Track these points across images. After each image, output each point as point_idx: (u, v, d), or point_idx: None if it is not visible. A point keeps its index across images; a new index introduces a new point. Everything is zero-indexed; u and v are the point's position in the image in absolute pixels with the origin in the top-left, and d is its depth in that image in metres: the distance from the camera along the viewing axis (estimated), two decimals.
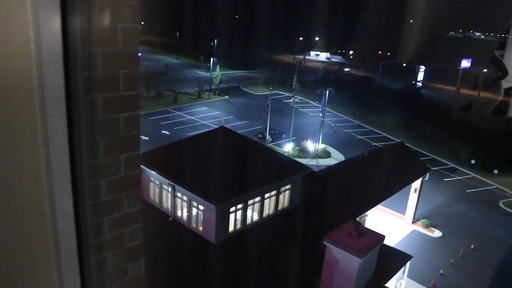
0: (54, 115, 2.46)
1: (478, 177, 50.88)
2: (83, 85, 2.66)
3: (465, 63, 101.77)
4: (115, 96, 2.90)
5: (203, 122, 62.64)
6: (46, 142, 2.44)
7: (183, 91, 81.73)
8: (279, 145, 54.39)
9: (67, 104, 2.52)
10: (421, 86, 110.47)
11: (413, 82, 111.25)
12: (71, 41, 2.49)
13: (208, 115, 66.96)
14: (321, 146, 53.99)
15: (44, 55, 2.38)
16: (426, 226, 36.49)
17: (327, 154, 53.08)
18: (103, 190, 2.99)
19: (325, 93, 53.86)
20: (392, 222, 36.46)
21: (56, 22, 2.41)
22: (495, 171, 51.68)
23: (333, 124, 65.46)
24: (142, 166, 23.74)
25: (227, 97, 79.99)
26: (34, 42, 2.35)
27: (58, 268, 2.63)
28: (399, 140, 52.36)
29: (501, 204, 43.81)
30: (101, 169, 2.94)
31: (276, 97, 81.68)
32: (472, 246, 34.19)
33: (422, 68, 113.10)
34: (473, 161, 54.58)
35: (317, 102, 78.53)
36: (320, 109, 55.32)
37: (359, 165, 33.42)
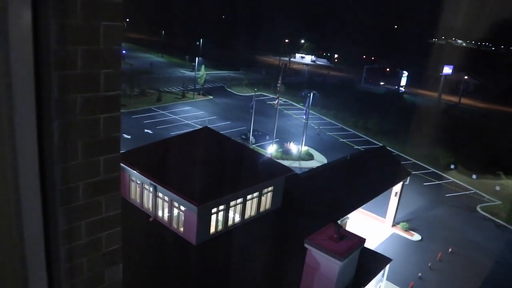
0: (23, 115, 2.35)
1: (457, 181, 51.79)
2: (59, 85, 2.56)
3: (447, 70, 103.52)
4: (95, 97, 2.80)
5: (187, 122, 62.31)
6: (12, 143, 2.33)
7: (167, 90, 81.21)
8: (263, 147, 54.44)
9: (38, 105, 2.41)
10: (404, 91, 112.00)
11: (396, 86, 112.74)
12: (44, 38, 2.38)
13: (192, 115, 66.64)
14: (304, 148, 54.21)
15: (12, 51, 2.27)
16: (406, 230, 36.93)
17: (310, 157, 53.33)
18: (81, 193, 2.90)
19: (309, 96, 54.11)
20: (373, 225, 36.79)
21: (26, 17, 2.30)
22: (474, 176, 52.68)
23: (317, 127, 65.85)
24: (123, 165, 23.47)
25: (211, 97, 79.80)
26: (2, 36, 2.24)
27: (24, 276, 2.53)
28: (381, 144, 53.04)
29: (478, 209, 44.66)
30: (80, 172, 2.84)
31: (261, 98, 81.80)
32: (450, 250, 34.75)
33: (405, 73, 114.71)
34: (452, 166, 55.54)
35: (301, 104, 78.87)
36: (304, 111, 55.62)
37: (341, 168, 33.64)
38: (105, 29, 2.76)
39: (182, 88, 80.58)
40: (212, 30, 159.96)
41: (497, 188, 50.06)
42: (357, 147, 60.15)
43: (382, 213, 37.62)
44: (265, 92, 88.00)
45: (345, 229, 21.49)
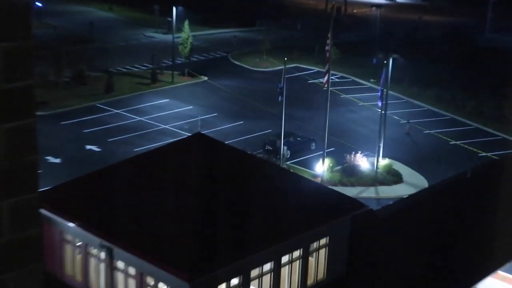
0: None
1: None
2: None
3: None
4: None
5: (163, 126, 62.76)
6: None
7: (124, 70, 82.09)
8: (305, 163, 54.47)
9: None
10: None
11: None
12: None
13: (171, 112, 67.20)
14: (383, 162, 53.90)
15: None
16: None
17: (395, 177, 52.98)
18: None
19: (388, 64, 53.86)
20: None
21: None
22: None
23: (405, 121, 65.50)
24: (48, 214, 23.76)
25: (205, 78, 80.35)
26: None
27: None
28: None
29: None
30: None
31: (297, 74, 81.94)
32: None
33: None
34: None
35: (372, 80, 78.57)
36: (379, 93, 55.32)
37: (458, 197, 33.30)
38: None
39: (151, 66, 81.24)
40: None
41: None
42: (483, 153, 59.55)
43: None
44: (303, 63, 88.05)
45: None
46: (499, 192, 33.31)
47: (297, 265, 24.22)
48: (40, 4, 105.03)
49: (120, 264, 22.42)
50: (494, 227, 30.92)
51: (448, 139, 63.56)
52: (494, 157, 57.23)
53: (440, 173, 49.38)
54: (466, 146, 61.75)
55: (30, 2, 2.99)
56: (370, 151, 55.38)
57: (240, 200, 23.79)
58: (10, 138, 3.04)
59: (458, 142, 62.88)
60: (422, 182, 52.36)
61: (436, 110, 72.55)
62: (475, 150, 60.84)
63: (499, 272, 32.58)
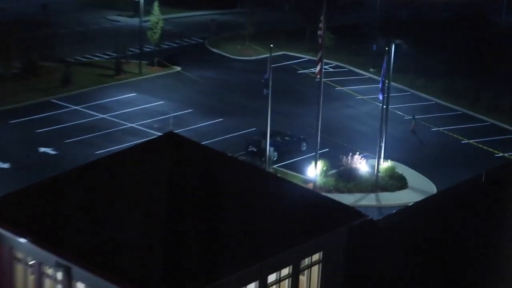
0: None
1: None
2: None
3: None
4: None
5: (129, 124, 62.73)
6: None
7: (84, 60, 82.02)
8: (295, 167, 54.76)
9: None
10: None
11: None
12: None
13: (139, 109, 67.24)
14: (385, 164, 54.19)
15: None
16: None
17: (399, 182, 53.24)
18: None
19: (390, 51, 54.06)
20: None
21: None
22: None
23: (410, 117, 65.73)
24: None
25: (178, 68, 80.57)
26: None
27: None
28: None
29: None
30: None
31: (284, 64, 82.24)
32: None
33: None
34: None
35: (372, 70, 78.87)
36: (380, 85, 55.41)
37: (471, 205, 33.45)
38: None
39: (115, 55, 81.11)
40: None
41: None
42: (499, 153, 59.91)
43: None
44: (292, 51, 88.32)
45: None
46: None
47: (286, 285, 24.27)
48: None
49: (80, 286, 22.37)
50: (507, 240, 31.13)
51: (460, 138, 63.93)
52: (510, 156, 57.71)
53: (450, 176, 49.77)
54: (480, 146, 62.09)
55: None
56: (370, 152, 55.71)
57: (217, 211, 23.77)
58: None
59: (471, 141, 63.23)
60: (429, 187, 52.68)
61: (446, 104, 73.04)
62: (490, 150, 61.18)
63: None
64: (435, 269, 29.10)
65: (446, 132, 65.14)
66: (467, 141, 63.18)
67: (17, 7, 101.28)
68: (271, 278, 23.62)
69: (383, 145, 53.72)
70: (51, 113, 65.02)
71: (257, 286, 23.15)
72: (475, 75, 77.98)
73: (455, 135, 64.35)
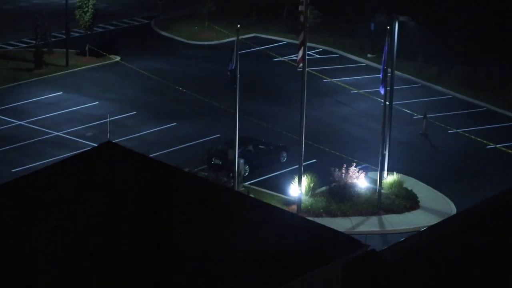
0: None
1: None
2: None
3: None
4: None
5: (55, 133, 62.74)
6: None
7: None
8: (273, 184, 54.87)
9: None
10: None
11: None
12: None
13: (67, 112, 67.19)
14: (390, 178, 54.40)
15: None
16: None
17: (408, 201, 53.46)
18: None
19: (392, 32, 54.38)
20: None
21: None
22: None
23: (421, 116, 66.19)
24: None
25: (117, 58, 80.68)
26: None
27: None
28: None
29: None
30: None
31: (256, 49, 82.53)
32: None
33: None
34: None
35: (370, 56, 79.43)
36: (381, 75, 55.65)
37: (499, 229, 33.67)
38: None
39: (34, 42, 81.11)
40: None
41: None
42: None
43: None
44: (266, 33, 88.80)
45: None
46: None
47: None
48: None
49: None
50: None
51: (484, 141, 64.36)
52: None
53: (473, 192, 50.12)
54: (510, 151, 62.62)
55: None
56: (370, 162, 56.05)
57: (171, 246, 23.79)
58: None
59: (498, 146, 63.71)
60: (447, 207, 53.02)
61: (466, 98, 73.57)
62: None
63: None
64: None
65: (466, 134, 65.52)
66: (493, 146, 63.59)
67: None
68: None
69: (386, 153, 54.01)
70: None
71: None
72: (501, 60, 78.47)
73: (478, 138, 64.70)
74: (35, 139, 61.59)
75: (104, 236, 23.57)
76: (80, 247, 23.25)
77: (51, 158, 52.47)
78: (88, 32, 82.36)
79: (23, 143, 60.78)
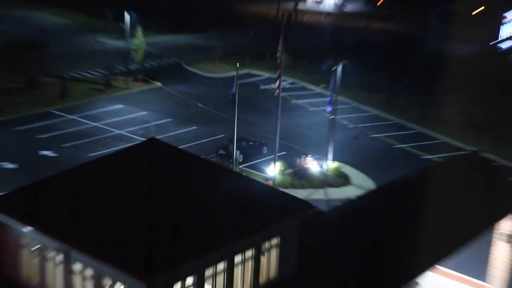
0: None
1: None
2: None
3: None
4: None
5: (118, 131, 62.58)
6: None
7: (78, 76, 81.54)
8: (258, 167, 55.19)
9: None
10: (509, 48, 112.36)
11: (493, 42, 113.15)
12: None
13: (126, 118, 67.04)
14: (333, 165, 54.55)
15: None
16: None
17: (343, 180, 53.70)
18: None
19: (336, 70, 54.54)
20: None
21: None
22: None
23: (353, 125, 66.33)
24: (6, 219, 23.70)
25: (159, 84, 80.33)
26: None
27: None
28: (471, 149, 53.22)
29: None
30: None
31: (249, 80, 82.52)
32: None
33: (509, 16, 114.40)
34: None
35: (322, 86, 79.40)
36: (328, 99, 56.00)
37: (402, 198, 33.93)
38: None
39: (104, 72, 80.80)
40: None
41: None
42: (426, 156, 60.63)
43: (480, 272, 37.88)
44: (255, 70, 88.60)
45: None
46: (440, 193, 34.12)
47: (249, 264, 24.50)
48: None
49: (77, 267, 22.40)
50: (434, 225, 31.67)
51: (394, 142, 64.64)
52: (436, 158, 58.43)
53: (385, 175, 50.44)
54: (410, 149, 62.87)
55: None
56: (319, 154, 56.20)
57: (193, 203, 24.00)
58: None
59: (403, 145, 64.00)
60: (368, 183, 53.23)
61: (383, 115, 73.82)
62: (419, 153, 61.96)
63: (439, 268, 33.50)
64: (370, 249, 29.52)
65: (382, 138, 65.85)
66: (399, 145, 63.91)
67: (17, 29, 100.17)
68: (237, 259, 23.85)
69: (330, 148, 54.18)
70: (50, 121, 64.80)
71: (226, 265, 23.40)
72: (407, 91, 78.91)
73: (390, 141, 65.06)
74: (104, 135, 61.53)
75: (147, 197, 23.67)
76: (134, 202, 23.44)
77: (114, 147, 52.60)
78: (140, 66, 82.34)
79: (96, 137, 60.73)
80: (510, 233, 36.90)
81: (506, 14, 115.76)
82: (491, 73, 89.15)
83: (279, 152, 54.00)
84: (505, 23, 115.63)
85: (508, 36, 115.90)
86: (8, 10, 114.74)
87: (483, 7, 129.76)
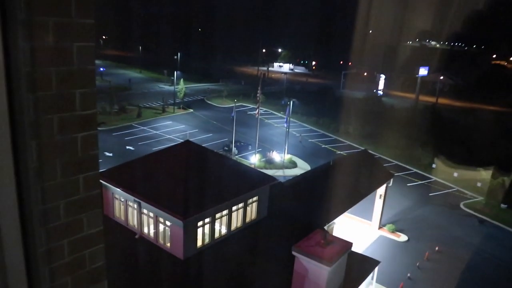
0: None
1: (440, 180, 52.62)
2: (33, 106, 2.60)
3: (423, 71, 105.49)
4: (71, 116, 2.85)
5: (168, 136, 61.95)
6: None
7: (147, 105, 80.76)
8: (246, 157, 54.40)
9: (12, 126, 2.44)
10: (382, 94, 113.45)
11: (375, 90, 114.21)
12: (14, 61, 2.42)
13: (173, 129, 66.30)
14: (287, 156, 54.35)
15: None
16: (393, 231, 37.28)
17: (293, 164, 53.50)
18: (62, 212, 2.92)
19: (289, 104, 54.44)
20: (360, 228, 37.06)
21: None
22: (455, 174, 53.65)
23: (298, 134, 66.22)
24: (106, 183, 23.24)
25: (191, 110, 79.64)
26: None
27: None
28: (363, 148, 53.54)
29: (462, 206, 45.40)
30: (59, 191, 2.87)
31: (241, 109, 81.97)
32: (437, 248, 35.17)
33: (383, 76, 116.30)
34: (434, 165, 56.44)
35: (281, 113, 79.24)
36: (285, 119, 55.85)
37: (325, 174, 33.88)
38: (78, 49, 2.82)
39: (162, 103, 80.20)
40: (189, 44, 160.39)
41: (479, 184, 51.03)
42: (339, 152, 60.67)
43: (368, 216, 37.93)
44: (245, 103, 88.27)
45: (332, 235, 21.63)
46: (346, 172, 34.04)
47: (241, 211, 24.28)
48: (102, 69, 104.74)
49: (145, 211, 22.12)
50: (344, 186, 31.50)
51: (321, 144, 64.48)
52: (344, 153, 58.46)
53: (316, 162, 50.31)
54: (330, 148, 62.84)
55: (94, 68, 3.00)
56: (280, 150, 55.75)
57: (210, 176, 23.68)
58: (84, 141, 2.98)
59: (326, 146, 63.88)
60: (307, 167, 52.99)
61: (315, 128, 73.56)
62: (335, 150, 61.96)
63: (346, 213, 33.35)
64: (307, 203, 29.29)
65: (315, 142, 65.66)
66: (324, 146, 63.81)
67: (115, 80, 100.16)
68: (234, 208, 23.62)
69: (286, 147, 53.96)
70: (132, 130, 63.93)
71: (228, 212, 23.13)
72: (329, 116, 78.71)
73: (319, 143, 64.92)
74: (161, 138, 60.69)
75: (185, 172, 23.32)
76: (177, 175, 23.06)
77: (166, 145, 51.81)
78: (182, 100, 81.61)
79: (156, 139, 59.88)
80: (381, 194, 36.96)
81: (381, 75, 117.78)
82: (373, 107, 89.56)
83: (258, 149, 53.69)
84: (381, 79, 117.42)
85: (382, 87, 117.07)
86: (111, 69, 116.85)
87: (369, 70, 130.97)
